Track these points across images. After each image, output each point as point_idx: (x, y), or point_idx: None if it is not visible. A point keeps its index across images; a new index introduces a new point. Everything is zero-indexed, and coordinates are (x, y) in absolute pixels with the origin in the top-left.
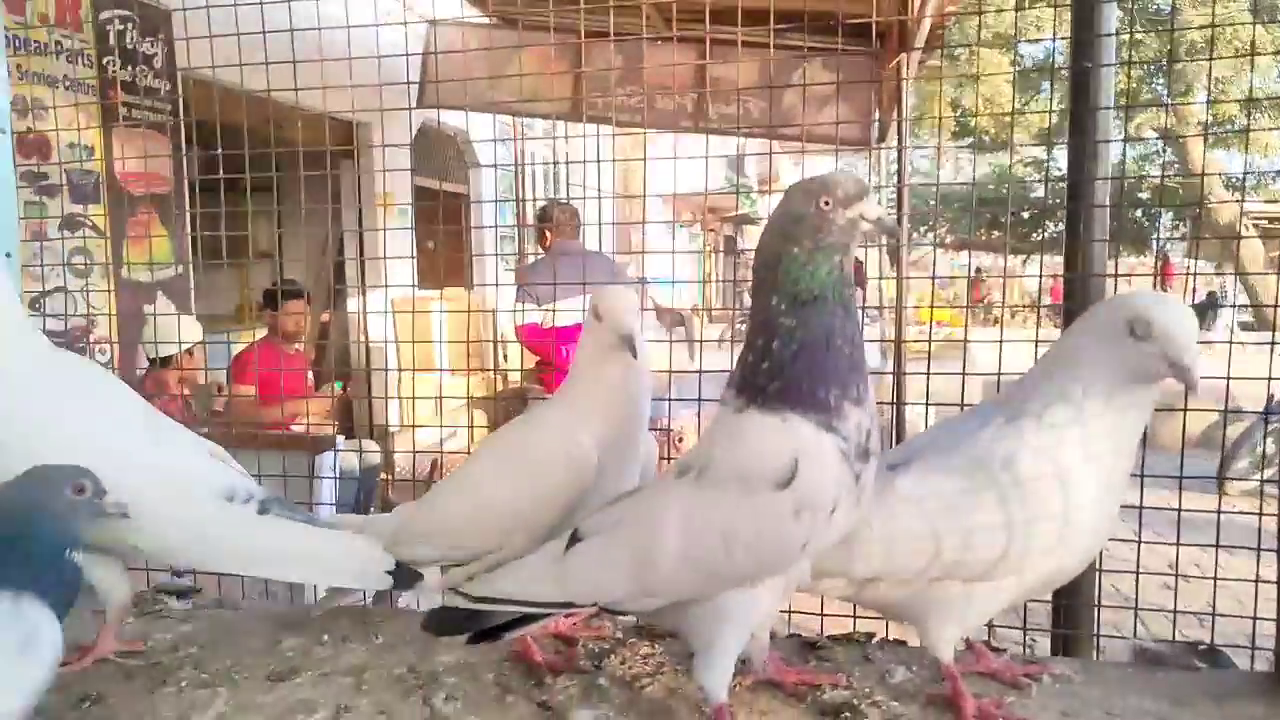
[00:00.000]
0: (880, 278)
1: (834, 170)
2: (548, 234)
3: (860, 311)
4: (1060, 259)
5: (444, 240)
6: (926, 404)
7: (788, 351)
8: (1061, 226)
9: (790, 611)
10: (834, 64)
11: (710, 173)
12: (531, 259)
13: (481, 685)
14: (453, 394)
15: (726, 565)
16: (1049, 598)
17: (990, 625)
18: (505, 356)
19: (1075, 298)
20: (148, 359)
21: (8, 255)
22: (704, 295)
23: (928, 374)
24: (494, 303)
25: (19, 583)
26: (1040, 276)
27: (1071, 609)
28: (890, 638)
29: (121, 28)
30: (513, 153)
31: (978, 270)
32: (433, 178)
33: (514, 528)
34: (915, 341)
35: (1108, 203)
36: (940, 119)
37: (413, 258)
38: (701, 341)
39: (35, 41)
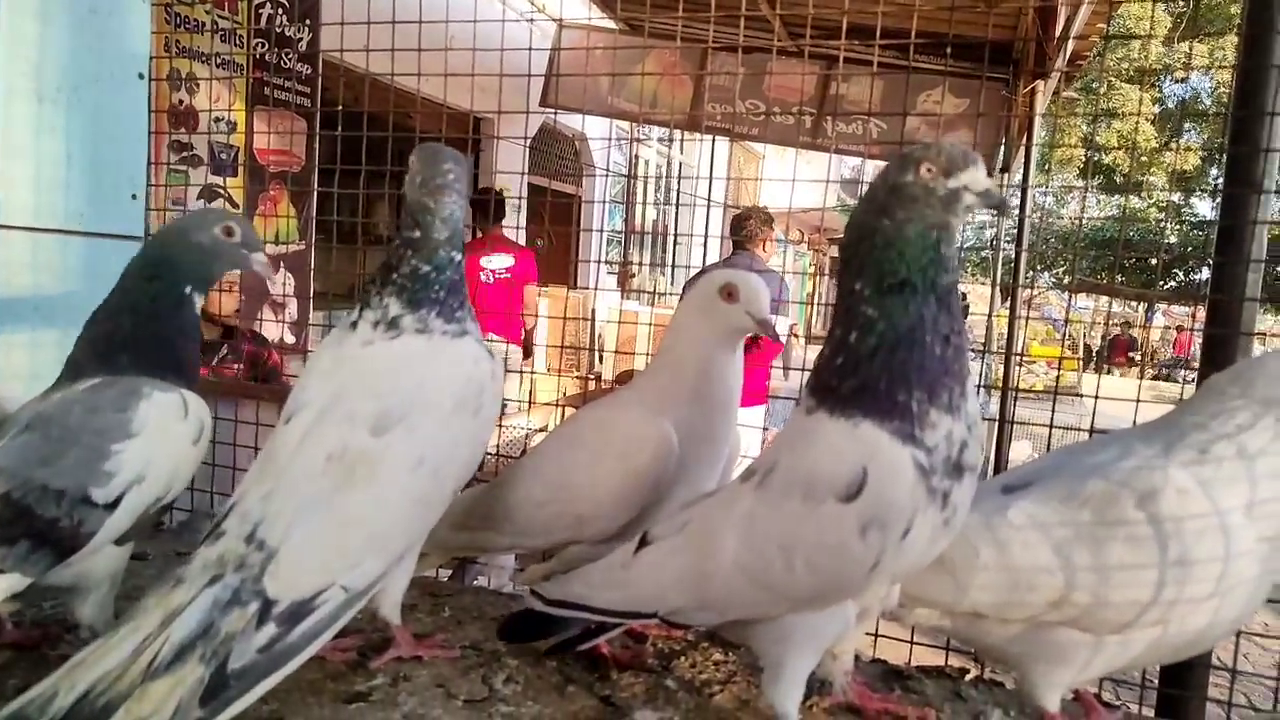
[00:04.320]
0: (990, 314)
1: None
2: (744, 244)
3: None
4: (1185, 309)
5: (551, 239)
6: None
7: (865, 346)
8: (1193, 276)
9: (876, 635)
10: (965, 88)
11: (822, 192)
12: (636, 267)
13: (544, 671)
14: (546, 392)
15: (785, 581)
16: None
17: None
18: (601, 359)
19: (1219, 357)
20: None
21: (134, 197)
22: (805, 316)
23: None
24: (594, 305)
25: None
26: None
27: (1182, 668)
28: (986, 676)
29: (273, 11)
30: (627, 157)
31: (1126, 324)
32: (546, 176)
33: (588, 516)
34: (1027, 392)
35: (1264, 256)
36: (1077, 148)
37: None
38: (801, 369)
39: (193, 20)
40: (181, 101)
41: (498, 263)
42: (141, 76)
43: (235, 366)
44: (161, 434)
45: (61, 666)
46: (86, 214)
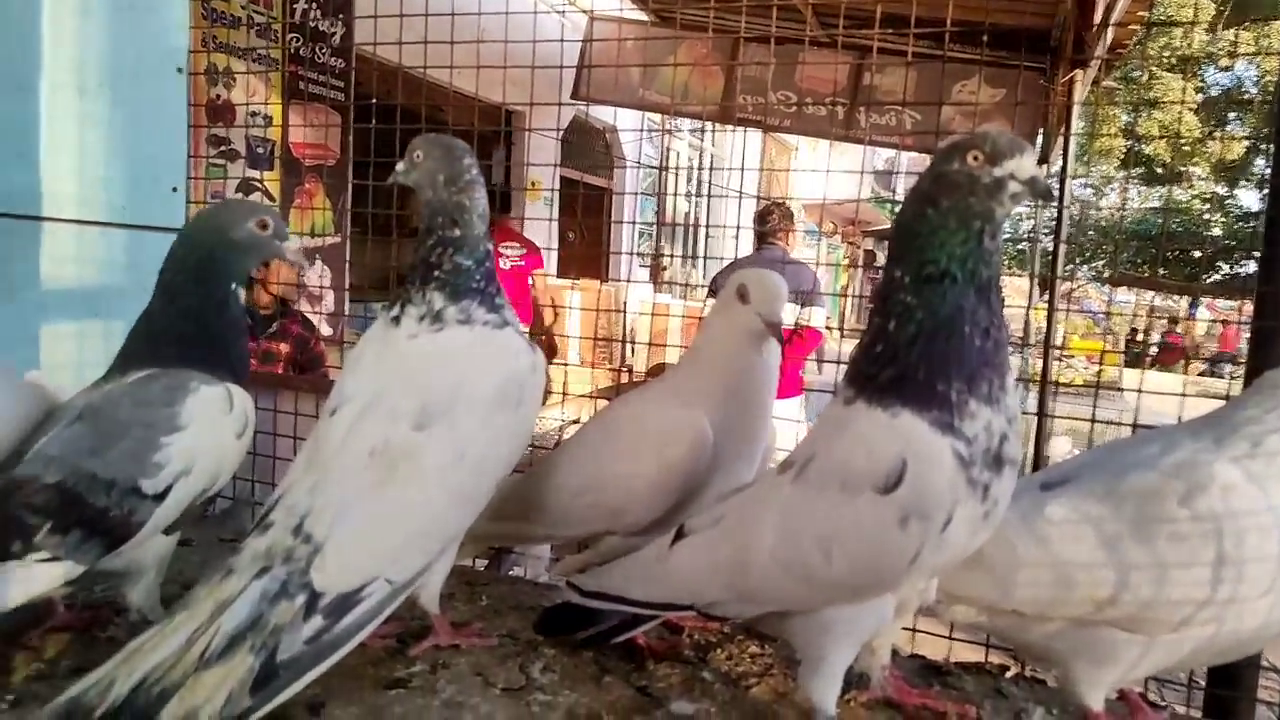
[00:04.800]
0: (1028, 307)
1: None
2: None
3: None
4: (1230, 303)
5: (583, 232)
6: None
7: (904, 335)
8: (1239, 268)
9: (914, 630)
10: (1001, 78)
11: (855, 183)
12: (668, 259)
13: (580, 660)
14: (579, 384)
15: (823, 573)
16: None
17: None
18: (633, 351)
19: (1267, 351)
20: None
21: (174, 190)
22: (838, 309)
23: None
24: (626, 297)
25: (206, 357)
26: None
27: (1230, 669)
28: (1027, 673)
29: (307, 7)
30: (659, 150)
31: (1172, 319)
32: (578, 169)
33: (623, 507)
34: (1066, 386)
35: None
36: (1119, 136)
37: (549, 249)
38: (836, 361)
39: (229, 15)
40: (219, 96)
41: (512, 251)
42: (180, 71)
43: (281, 346)
44: (208, 427)
45: (118, 653)
46: (128, 207)
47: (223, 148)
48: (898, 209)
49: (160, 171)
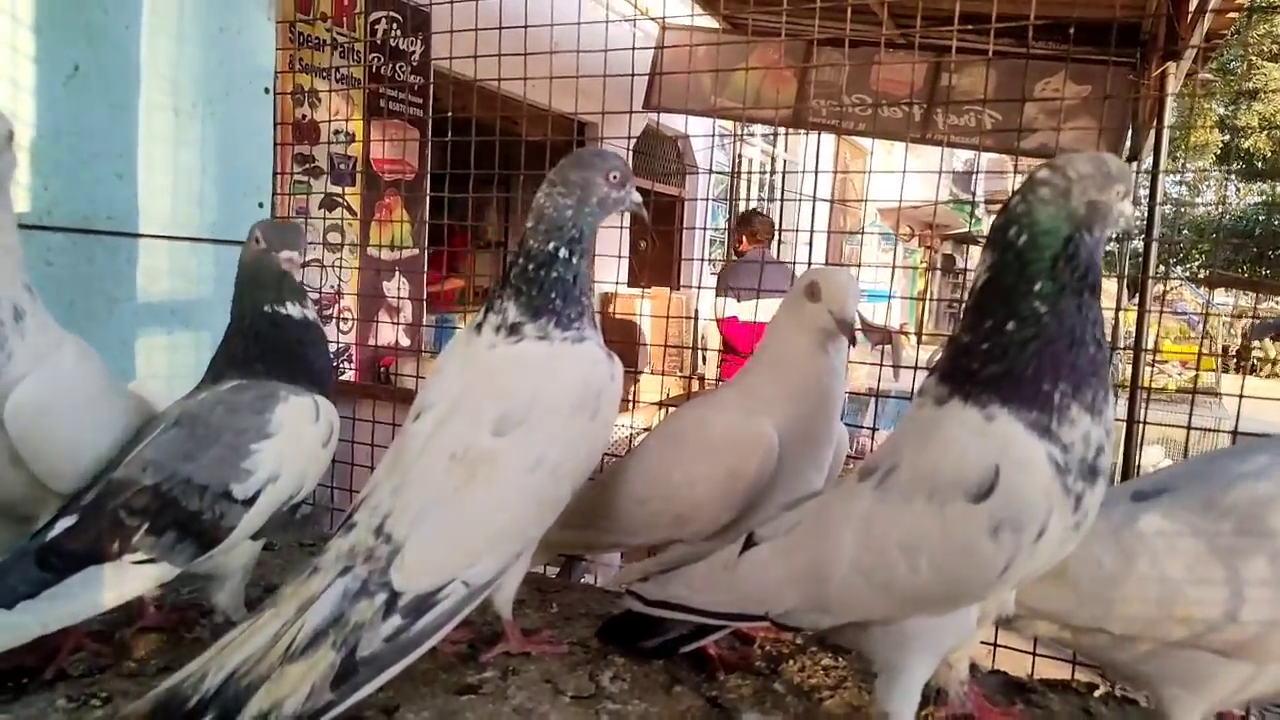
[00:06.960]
0: (1117, 309)
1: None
2: (744, 238)
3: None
4: None
5: (654, 240)
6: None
7: (1020, 335)
8: None
9: (995, 645)
10: (1086, 74)
11: (933, 187)
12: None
13: (650, 670)
14: (650, 391)
15: (907, 584)
16: None
17: None
18: (704, 359)
19: None
20: None
21: (260, 206)
22: (915, 314)
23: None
24: (698, 305)
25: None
26: None
27: None
28: (1116, 693)
29: (387, 27)
30: (730, 156)
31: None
32: (649, 178)
33: (688, 514)
34: (1159, 392)
35: None
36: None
37: (620, 257)
38: (915, 366)
39: (314, 37)
40: (304, 115)
41: None
42: (267, 91)
43: None
44: (295, 436)
45: (210, 648)
46: (218, 222)
47: (307, 165)
48: (1025, 221)
49: (248, 188)
